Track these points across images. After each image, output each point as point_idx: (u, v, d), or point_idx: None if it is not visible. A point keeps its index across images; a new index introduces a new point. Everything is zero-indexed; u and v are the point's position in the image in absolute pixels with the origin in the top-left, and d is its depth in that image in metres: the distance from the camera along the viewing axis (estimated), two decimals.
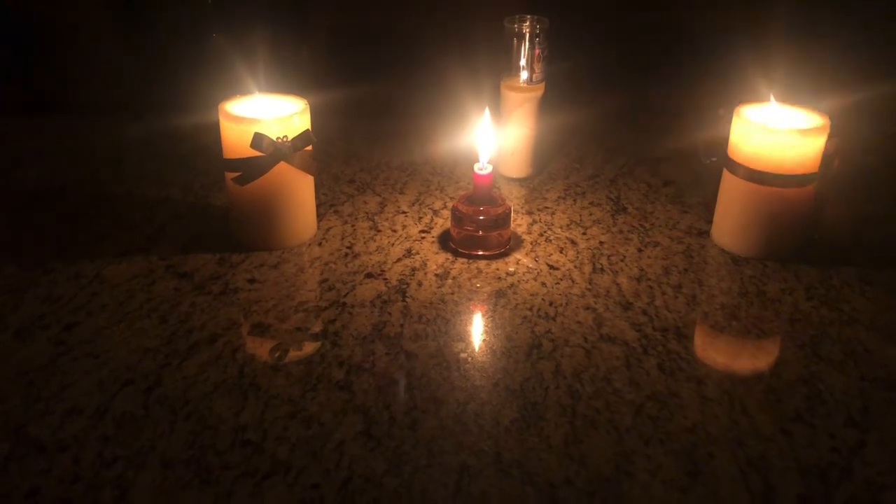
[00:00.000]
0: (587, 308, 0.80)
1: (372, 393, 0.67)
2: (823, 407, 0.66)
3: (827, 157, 0.86)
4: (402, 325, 0.76)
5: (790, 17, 1.21)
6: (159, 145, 1.22)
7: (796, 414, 0.65)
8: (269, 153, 0.84)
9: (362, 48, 1.36)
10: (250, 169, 0.85)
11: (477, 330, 0.76)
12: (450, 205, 1.03)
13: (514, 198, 1.06)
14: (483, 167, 0.90)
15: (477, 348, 0.73)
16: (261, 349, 0.72)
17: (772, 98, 0.92)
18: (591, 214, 1.01)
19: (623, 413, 0.65)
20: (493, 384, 0.68)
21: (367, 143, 1.25)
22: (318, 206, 1.00)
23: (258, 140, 0.83)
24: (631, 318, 0.78)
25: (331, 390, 0.67)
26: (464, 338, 0.74)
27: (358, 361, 0.71)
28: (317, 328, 0.76)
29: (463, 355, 0.72)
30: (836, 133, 0.86)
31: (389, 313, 0.78)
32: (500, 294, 0.82)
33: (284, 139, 0.84)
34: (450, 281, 0.84)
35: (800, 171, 0.85)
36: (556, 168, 1.16)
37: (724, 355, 0.73)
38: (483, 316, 0.78)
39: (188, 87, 1.24)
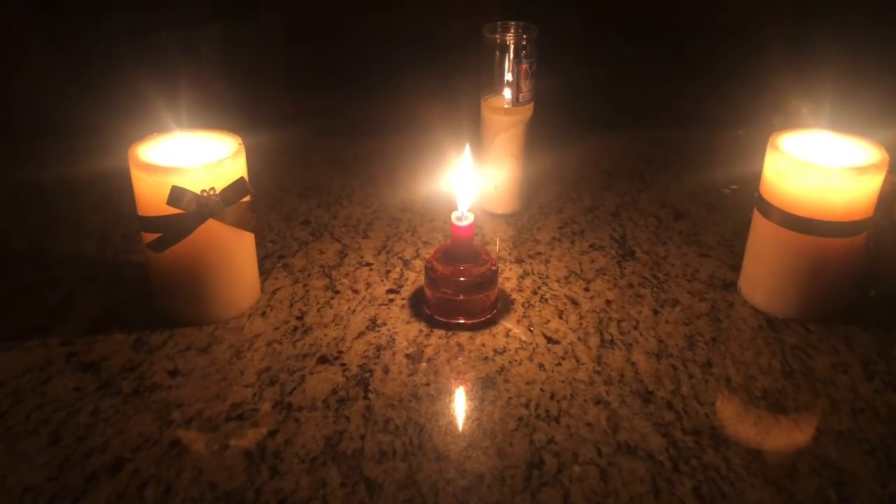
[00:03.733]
0: (598, 402, 0.63)
1: None
2: None
3: (884, 200, 0.70)
4: (362, 437, 0.59)
5: (836, 28, 1.04)
6: (74, 185, 1.01)
7: None
8: (192, 211, 0.66)
9: (323, 60, 1.18)
10: (169, 231, 0.67)
11: (459, 443, 0.59)
12: (423, 252, 0.86)
13: (498, 240, 0.89)
14: (462, 216, 0.73)
15: (461, 472, 0.56)
16: (177, 481, 0.55)
17: (803, 122, 0.76)
18: (592, 262, 0.84)
19: None
20: None
21: (327, 169, 1.07)
22: (263, 259, 0.83)
23: (177, 195, 0.65)
24: (653, 414, 0.62)
25: None
26: (443, 455, 0.58)
27: (304, 498, 0.54)
28: (252, 445, 0.59)
29: (442, 483, 0.55)
30: (894, 169, 0.70)
31: (347, 418, 0.61)
32: (487, 383, 0.66)
33: (212, 192, 0.67)
34: (424, 365, 0.68)
35: (851, 216, 0.69)
36: (547, 198, 0.99)
37: (776, 471, 0.57)
38: (467, 420, 0.62)
39: (100, 120, 1.03)
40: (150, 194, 0.67)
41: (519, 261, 0.84)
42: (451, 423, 0.61)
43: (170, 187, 0.65)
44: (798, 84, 0.88)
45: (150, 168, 0.67)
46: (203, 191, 0.66)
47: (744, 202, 0.74)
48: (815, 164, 0.69)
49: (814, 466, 0.57)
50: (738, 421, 0.62)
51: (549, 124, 1.00)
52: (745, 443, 0.60)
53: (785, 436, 0.61)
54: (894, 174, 0.70)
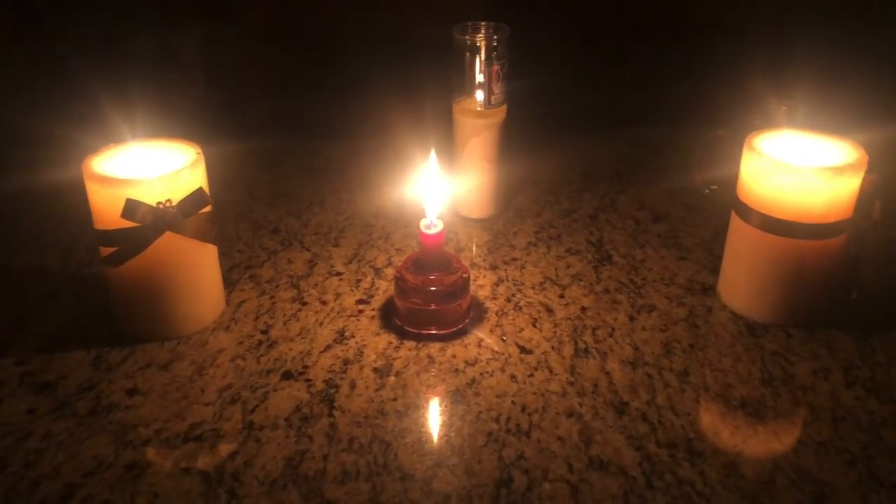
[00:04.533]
0: (571, 414, 0.61)
1: None
2: None
3: (864, 200, 0.68)
4: (325, 458, 0.57)
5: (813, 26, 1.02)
6: (36, 196, 0.97)
7: None
8: (148, 223, 0.64)
9: (291, 58, 1.16)
10: (126, 245, 0.65)
11: (425, 461, 0.57)
12: (396, 259, 0.83)
13: (473, 245, 0.87)
14: (431, 224, 0.70)
15: (426, 492, 0.54)
16: None
17: (782, 122, 0.74)
18: (568, 267, 0.82)
19: None
20: None
21: (297, 175, 1.05)
22: (230, 270, 0.80)
23: (131, 208, 0.63)
24: (627, 427, 0.60)
25: None
26: (409, 474, 0.56)
27: None
28: (210, 467, 0.56)
29: None
30: (874, 168, 0.68)
31: (310, 437, 0.59)
32: (457, 397, 0.63)
33: (168, 204, 0.64)
34: (392, 379, 0.65)
35: (830, 218, 0.67)
36: (524, 202, 0.96)
37: (754, 486, 0.55)
38: (434, 436, 0.59)
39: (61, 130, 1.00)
40: (106, 207, 0.65)
41: (493, 267, 0.82)
42: (419, 440, 0.59)
43: (125, 200, 0.63)
44: (777, 84, 0.86)
45: (104, 180, 0.64)
46: (159, 203, 0.64)
47: (724, 203, 0.72)
48: (792, 165, 0.67)
49: (792, 479, 0.55)
50: (715, 432, 0.60)
51: (527, 126, 0.98)
52: (722, 455, 0.58)
53: (763, 447, 0.59)
54: (873, 174, 0.68)
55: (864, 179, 0.68)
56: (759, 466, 0.57)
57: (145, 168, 0.68)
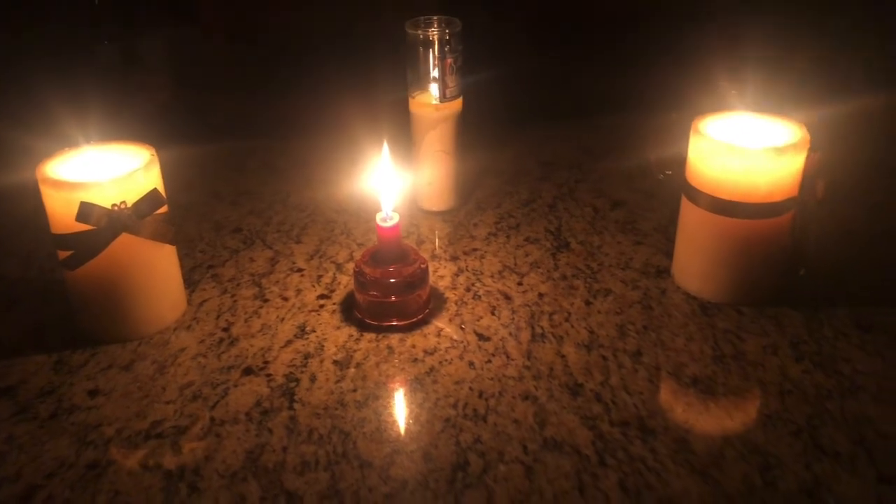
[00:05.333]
0: (526, 397, 0.63)
1: None
2: None
3: (808, 178, 0.70)
4: (284, 449, 0.58)
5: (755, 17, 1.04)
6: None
7: None
8: (104, 226, 0.65)
9: (251, 59, 1.16)
10: (82, 247, 0.65)
11: (384, 448, 0.58)
12: (357, 254, 0.84)
13: (435, 238, 0.88)
14: (387, 217, 0.71)
15: (384, 478, 0.55)
16: None
17: (732, 104, 0.76)
18: (527, 255, 0.83)
19: None
20: None
21: (261, 174, 1.05)
22: (192, 270, 0.81)
23: (86, 211, 0.63)
24: (581, 408, 0.61)
25: None
26: (367, 462, 0.57)
27: None
28: (171, 464, 0.57)
29: (364, 491, 0.54)
30: (817, 147, 0.70)
31: (270, 430, 0.60)
32: (416, 385, 0.65)
33: (122, 206, 0.65)
34: (352, 370, 0.66)
35: (776, 197, 0.69)
36: (485, 194, 0.98)
37: (703, 459, 0.57)
38: (393, 424, 0.60)
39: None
40: (61, 211, 0.65)
41: (454, 258, 0.84)
42: (377, 428, 0.60)
43: (79, 203, 0.63)
44: (726, 68, 0.88)
45: (58, 184, 0.65)
46: (114, 205, 0.65)
47: (679, 187, 0.74)
48: (735, 146, 0.68)
49: (741, 452, 0.57)
50: (666, 410, 0.61)
51: (487, 119, 0.99)
52: (673, 432, 0.59)
53: (713, 422, 0.60)
54: (816, 153, 0.70)
55: (807, 158, 0.69)
56: (708, 441, 0.58)
57: (100, 171, 0.68)
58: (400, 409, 0.62)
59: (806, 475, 0.55)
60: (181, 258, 0.74)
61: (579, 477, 0.55)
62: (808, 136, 0.69)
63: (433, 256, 0.84)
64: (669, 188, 0.95)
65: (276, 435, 0.59)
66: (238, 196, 0.98)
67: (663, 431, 0.59)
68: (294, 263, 0.83)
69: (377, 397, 0.63)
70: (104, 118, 0.75)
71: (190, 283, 0.79)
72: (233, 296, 0.77)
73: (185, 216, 0.92)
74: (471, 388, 0.64)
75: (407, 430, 0.60)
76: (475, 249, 0.85)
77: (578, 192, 0.97)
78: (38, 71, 1.00)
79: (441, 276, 0.80)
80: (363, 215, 0.93)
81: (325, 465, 0.56)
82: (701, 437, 0.59)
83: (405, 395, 0.64)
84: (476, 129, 0.91)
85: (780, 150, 0.67)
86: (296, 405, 0.62)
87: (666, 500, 0.53)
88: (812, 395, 0.62)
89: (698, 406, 0.62)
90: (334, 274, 0.81)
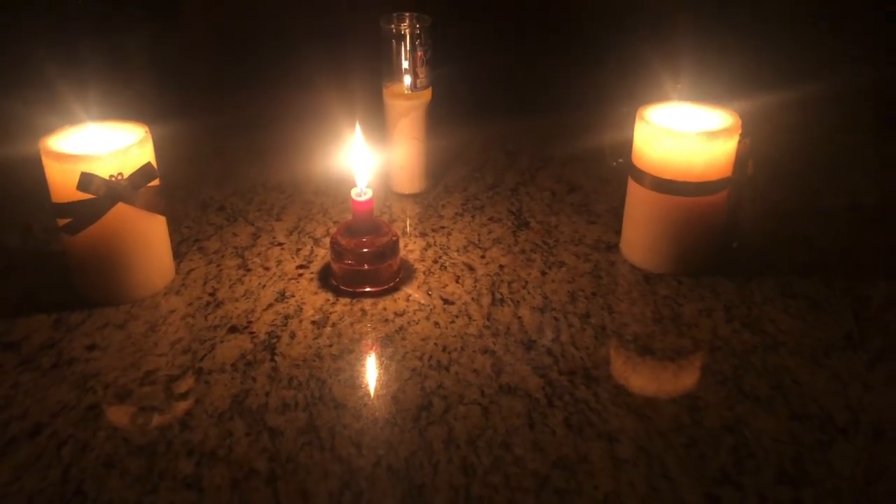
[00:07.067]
0: (485, 351, 0.70)
1: (226, 490, 0.55)
2: (752, 461, 0.58)
3: (740, 160, 0.78)
4: (267, 394, 0.65)
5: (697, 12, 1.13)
6: None
7: (722, 473, 0.56)
8: (102, 195, 0.71)
9: (232, 51, 1.23)
10: (82, 215, 0.71)
11: (357, 392, 0.65)
12: (333, 230, 0.91)
13: (406, 217, 0.95)
14: (361, 192, 0.78)
15: (356, 416, 0.62)
16: (93, 440, 0.60)
17: (677, 97, 0.84)
18: (490, 232, 0.91)
19: (526, 489, 0.55)
20: (374, 463, 0.57)
21: (244, 158, 1.12)
22: (179, 244, 0.87)
23: (86, 181, 0.70)
24: (534, 360, 0.69)
25: (176, 490, 0.55)
26: (341, 403, 0.64)
27: (211, 447, 0.59)
28: (164, 406, 0.63)
29: (339, 427, 0.61)
30: (748, 132, 0.78)
31: (254, 378, 0.67)
32: (386, 341, 0.71)
33: (119, 177, 0.71)
34: (328, 329, 0.73)
35: (710, 176, 0.77)
36: (453, 179, 1.05)
37: (639, 401, 0.64)
38: (365, 373, 0.67)
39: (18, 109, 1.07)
40: (62, 181, 0.71)
41: (423, 235, 0.91)
42: (351, 377, 0.67)
43: (79, 174, 0.70)
44: (669, 62, 0.96)
45: (60, 157, 0.71)
46: (111, 176, 0.71)
47: (627, 170, 0.82)
48: (674, 131, 0.76)
49: (672, 396, 0.65)
50: (609, 362, 0.69)
51: (459, 110, 1.06)
52: (614, 380, 0.67)
53: (650, 372, 0.68)
54: (747, 137, 0.78)
55: (739, 142, 0.77)
56: (645, 388, 0.66)
57: (97, 146, 0.75)
58: (371, 360, 0.69)
59: (728, 415, 0.62)
60: (169, 234, 0.81)
61: (530, 415, 0.62)
62: (739, 123, 0.77)
63: (403, 233, 0.91)
64: (622, 174, 1.03)
65: (259, 382, 0.66)
66: (222, 178, 1.05)
67: (605, 379, 0.66)
68: (274, 238, 0.90)
69: (351, 351, 0.70)
70: (100, 98, 0.81)
71: (178, 255, 0.85)
72: (218, 266, 0.84)
73: (172, 196, 0.98)
74: (436, 344, 0.71)
75: (377, 378, 0.67)
76: (443, 227, 0.92)
77: (539, 178, 1.05)
78: (43, 52, 1.07)
79: (411, 250, 0.87)
80: (340, 196, 1.00)
81: (303, 407, 0.63)
82: (638, 385, 0.66)
83: (376, 349, 0.71)
84: (446, 119, 0.98)
85: (713, 134, 0.75)
86: (277, 358, 0.69)
87: (605, 434, 0.60)
88: (739, 350, 0.70)
89: (637, 359, 0.69)
90: (312, 247, 0.88)
